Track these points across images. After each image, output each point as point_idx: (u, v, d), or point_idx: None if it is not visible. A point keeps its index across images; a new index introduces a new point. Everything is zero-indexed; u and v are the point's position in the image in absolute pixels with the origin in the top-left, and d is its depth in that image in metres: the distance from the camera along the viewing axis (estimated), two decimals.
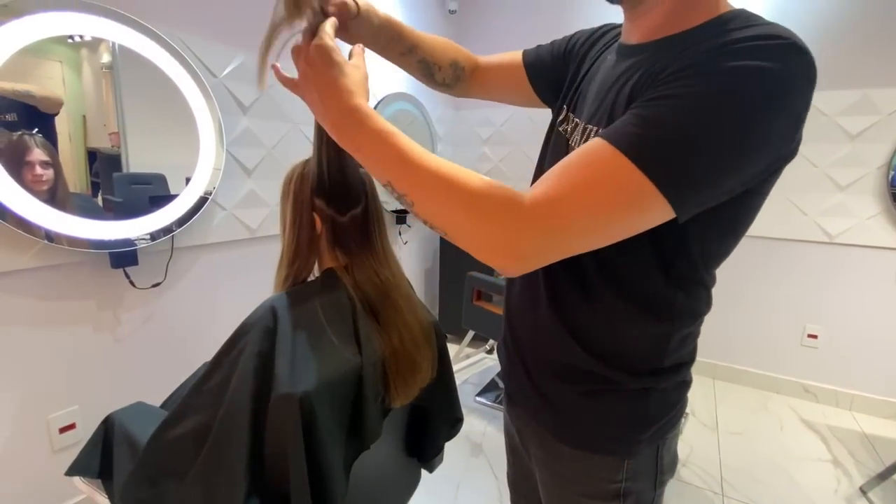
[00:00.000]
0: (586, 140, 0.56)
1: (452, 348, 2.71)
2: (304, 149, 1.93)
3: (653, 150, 0.42)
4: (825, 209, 2.15)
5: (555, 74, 0.76)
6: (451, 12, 2.78)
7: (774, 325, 2.36)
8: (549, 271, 0.62)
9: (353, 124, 0.50)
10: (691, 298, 0.57)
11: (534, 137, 2.79)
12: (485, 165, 3.05)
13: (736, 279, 2.36)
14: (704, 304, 0.59)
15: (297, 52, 0.57)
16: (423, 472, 1.07)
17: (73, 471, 0.88)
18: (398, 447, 0.99)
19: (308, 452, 0.67)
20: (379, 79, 2.34)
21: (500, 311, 2.07)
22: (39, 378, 1.27)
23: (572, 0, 2.53)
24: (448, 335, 2.88)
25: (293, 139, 1.88)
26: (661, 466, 0.64)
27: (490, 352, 2.79)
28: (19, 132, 1.16)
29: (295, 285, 0.82)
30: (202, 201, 1.53)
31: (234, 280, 1.73)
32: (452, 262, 2.77)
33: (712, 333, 2.45)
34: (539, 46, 0.81)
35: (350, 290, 0.79)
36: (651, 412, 0.60)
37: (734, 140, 0.41)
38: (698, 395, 2.28)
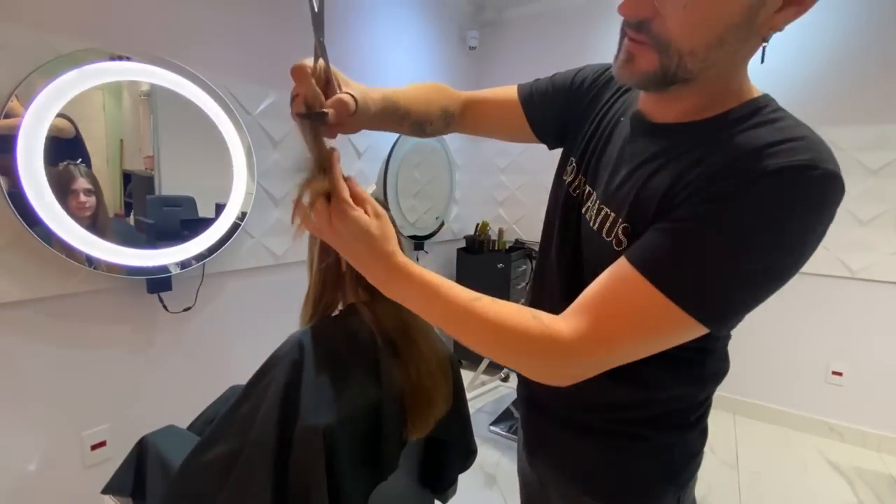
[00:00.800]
0: (603, 223, 0.55)
1: (467, 375, 2.71)
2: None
3: (695, 289, 0.44)
4: (846, 244, 2.13)
5: (555, 110, 0.73)
6: (471, 48, 2.90)
7: (797, 361, 2.31)
8: None
9: (397, 282, 0.52)
10: (721, 361, 0.59)
11: (551, 167, 2.80)
12: (502, 193, 3.11)
13: (757, 314, 2.31)
14: (728, 360, 0.61)
15: (318, 213, 0.51)
16: (443, 503, 1.09)
17: (108, 489, 0.93)
18: (413, 478, 1.02)
19: (329, 482, 0.70)
20: None
21: None
22: (75, 396, 1.34)
23: (591, 36, 2.62)
24: (463, 361, 2.90)
25: None
26: None
27: (505, 379, 2.78)
28: (65, 162, 1.25)
29: (322, 320, 0.88)
30: (234, 228, 1.61)
31: (259, 305, 1.80)
32: (468, 287, 2.81)
33: (734, 368, 2.39)
34: (536, 80, 0.77)
35: (371, 326, 0.84)
36: (676, 465, 0.61)
37: (770, 271, 0.43)
38: (718, 432, 2.23)
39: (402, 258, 0.53)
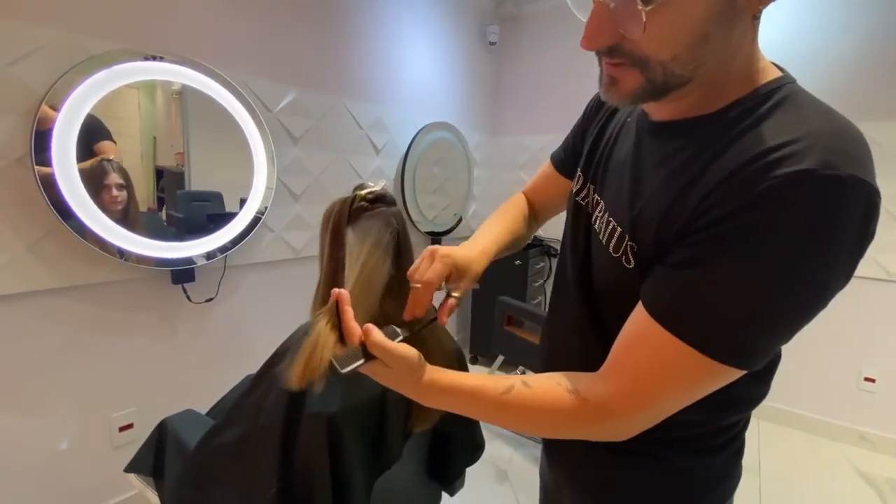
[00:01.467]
0: (611, 237, 0.54)
1: (481, 371, 2.72)
2: (348, 177, 2.06)
3: (721, 338, 0.41)
4: (883, 245, 2.02)
5: (580, 149, 0.72)
6: (492, 44, 2.89)
7: (828, 366, 2.22)
8: (588, 349, 0.59)
9: (431, 395, 0.54)
10: (755, 385, 0.53)
11: None
12: (520, 190, 3.08)
13: None
14: (768, 384, 0.56)
15: None
16: (452, 496, 1.10)
17: (130, 468, 0.99)
18: (420, 470, 1.04)
19: (333, 469, 0.73)
20: (419, 108, 2.46)
21: (529, 336, 2.08)
22: (105, 380, 1.41)
23: None
24: (479, 358, 2.91)
25: (338, 168, 2.01)
26: None
27: None
28: (98, 158, 1.32)
29: None
30: (255, 222, 1.66)
31: (278, 297, 1.85)
32: (484, 285, 2.80)
33: None
34: (564, 141, 0.79)
35: (378, 319, 0.85)
36: (697, 489, 0.58)
37: (796, 304, 0.40)
38: None
39: (427, 376, 0.53)
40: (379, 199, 0.87)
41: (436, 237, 2.69)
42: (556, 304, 0.71)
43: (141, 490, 1.09)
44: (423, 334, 0.87)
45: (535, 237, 2.99)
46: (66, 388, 1.34)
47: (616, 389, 0.47)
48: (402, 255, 0.87)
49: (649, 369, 0.45)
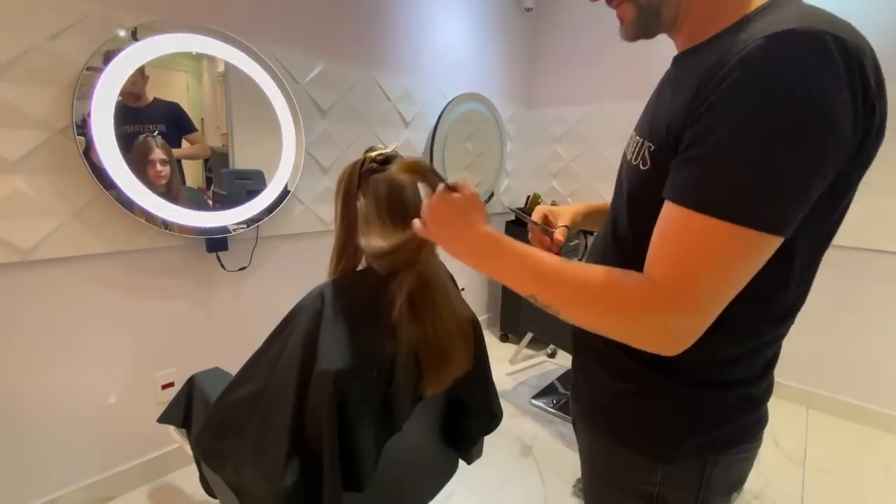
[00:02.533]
0: (637, 153, 0.57)
1: (511, 349, 2.70)
2: None
3: (736, 200, 0.43)
4: None
5: None
6: (528, 10, 2.76)
7: (882, 351, 2.03)
8: (606, 258, 0.62)
9: (491, 253, 0.56)
10: (755, 308, 0.52)
11: (609, 136, 2.68)
12: (556, 164, 2.98)
13: (841, 297, 2.07)
14: (776, 316, 0.54)
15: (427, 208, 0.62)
16: (470, 465, 1.11)
17: (163, 419, 1.05)
18: (436, 435, 1.04)
19: (340, 423, 0.74)
20: (450, 79, 2.41)
21: None
22: (149, 341, 1.51)
23: None
24: (508, 336, 2.89)
25: (367, 141, 2.01)
26: (709, 484, 0.60)
27: (552, 355, 2.74)
28: (144, 135, 1.39)
29: (344, 273, 0.90)
30: (284, 195, 1.70)
31: (308, 267, 1.90)
32: None
33: (809, 356, 2.18)
34: None
35: (390, 282, 0.85)
36: (693, 421, 0.58)
37: (796, 147, 0.41)
38: (786, 424, 2.04)
39: (492, 229, 0.57)
40: (389, 161, 0.86)
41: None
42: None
43: (180, 444, 1.17)
44: (435, 297, 0.87)
45: None
46: (114, 348, 1.44)
47: (662, 276, 0.46)
48: (407, 216, 0.85)
49: (685, 251, 0.45)
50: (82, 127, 1.23)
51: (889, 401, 2.06)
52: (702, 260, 0.44)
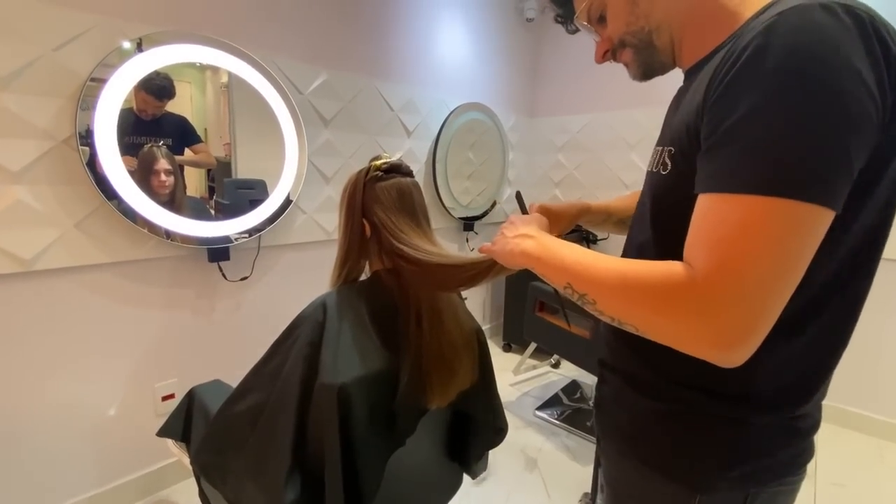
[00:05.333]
0: (657, 161, 0.56)
1: (514, 359, 2.68)
2: None
3: (777, 174, 0.39)
4: None
5: None
6: (529, 20, 2.78)
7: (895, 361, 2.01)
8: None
9: (553, 249, 0.57)
10: (811, 303, 0.47)
11: (611, 144, 2.68)
12: (559, 173, 2.98)
13: None
14: (835, 313, 0.50)
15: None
16: (475, 479, 1.08)
17: (162, 432, 1.03)
18: (440, 449, 1.02)
19: (343, 438, 0.72)
20: (452, 89, 2.42)
21: (563, 324, 2.01)
22: (150, 352, 1.49)
23: None
24: (512, 346, 2.86)
25: (369, 150, 2.01)
26: None
27: (555, 366, 2.70)
28: (149, 144, 1.39)
29: (346, 283, 0.89)
30: (286, 204, 1.70)
31: (311, 277, 1.88)
32: (518, 271, 2.75)
33: None
34: None
35: (394, 293, 0.83)
36: (737, 449, 0.53)
37: (819, 114, 0.38)
38: None
39: (538, 233, 0.61)
40: (394, 169, 0.86)
41: (468, 221, 2.65)
42: None
43: (179, 457, 1.15)
44: (440, 308, 0.85)
45: None
46: (115, 359, 1.42)
47: (701, 262, 0.41)
48: (416, 224, 0.85)
49: (725, 236, 0.41)
50: (86, 137, 1.23)
51: None
52: (744, 241, 0.39)
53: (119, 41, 1.27)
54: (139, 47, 1.30)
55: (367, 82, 1.97)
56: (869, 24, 0.39)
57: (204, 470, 0.88)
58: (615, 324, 0.49)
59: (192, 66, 1.45)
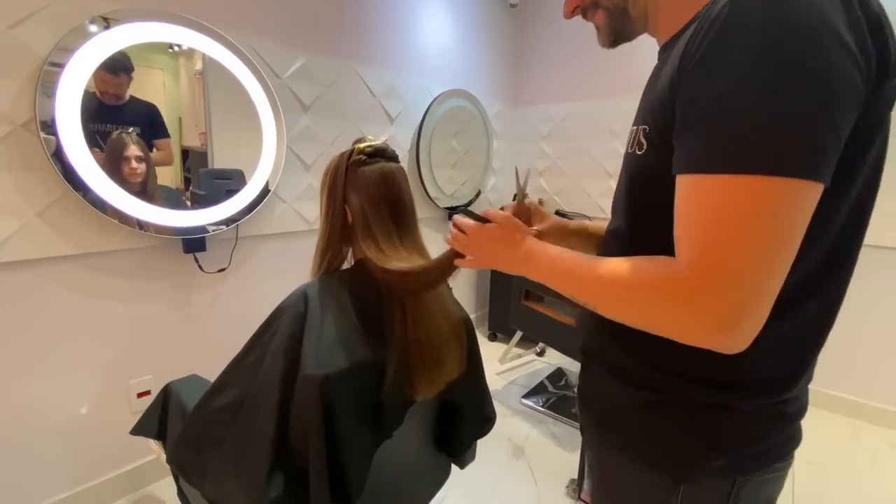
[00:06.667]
0: (633, 141, 0.53)
1: (500, 348, 2.68)
2: None
3: (754, 149, 0.37)
4: None
5: None
6: (512, 6, 2.74)
7: (874, 345, 2.07)
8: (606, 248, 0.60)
9: (530, 268, 0.60)
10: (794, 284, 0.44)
11: (595, 133, 2.67)
12: (543, 162, 2.97)
13: None
14: (822, 295, 0.49)
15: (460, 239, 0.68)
16: (462, 468, 1.07)
17: (136, 430, 0.99)
18: (427, 441, 1.00)
19: (327, 433, 0.69)
20: (436, 75, 2.37)
21: (549, 312, 2.01)
22: (123, 347, 1.43)
23: None
24: (497, 335, 2.86)
25: (350, 137, 1.95)
26: None
27: (540, 354, 2.72)
28: (118, 130, 1.31)
29: (328, 273, 0.86)
30: (264, 193, 1.64)
31: (291, 268, 1.83)
32: None
33: None
34: None
35: (378, 282, 0.80)
36: (721, 435, 0.51)
37: (799, 84, 0.36)
38: None
39: (527, 245, 0.61)
40: (378, 153, 0.82)
41: (453, 211, 2.62)
42: None
43: (158, 455, 1.10)
44: (428, 299, 0.83)
45: (557, 211, 2.88)
46: (85, 355, 1.36)
47: (687, 252, 0.41)
48: (400, 211, 0.82)
49: (709, 220, 0.39)
50: (48, 123, 1.15)
51: (875, 393, 2.09)
52: (726, 224, 0.38)
53: (82, 18, 1.19)
54: (104, 25, 1.22)
55: (348, 66, 1.91)
56: None
57: (181, 468, 0.84)
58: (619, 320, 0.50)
59: (163, 51, 1.38)
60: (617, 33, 0.59)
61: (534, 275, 0.59)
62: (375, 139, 0.85)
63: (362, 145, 0.82)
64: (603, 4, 0.58)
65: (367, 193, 0.80)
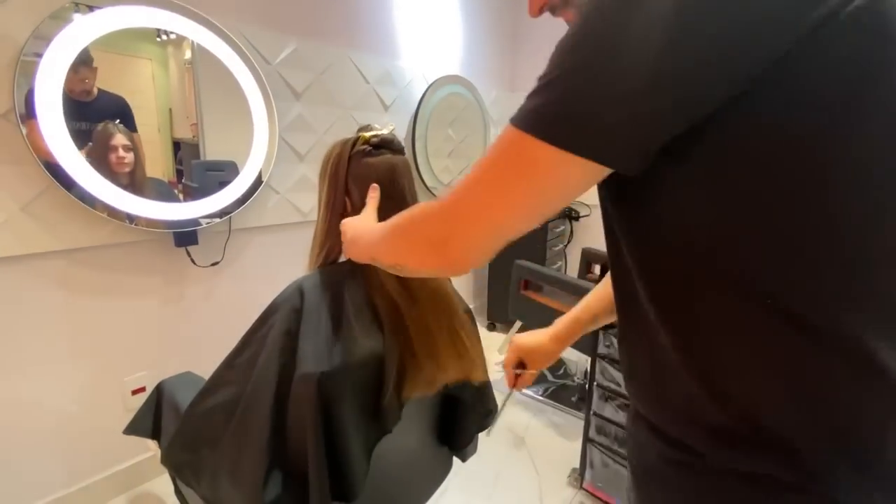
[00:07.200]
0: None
1: (499, 338, 2.66)
2: (352, 134, 1.96)
3: (529, 108, 0.36)
4: None
5: None
6: None
7: None
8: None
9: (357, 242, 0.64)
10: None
11: None
12: None
13: None
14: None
15: None
16: (464, 461, 1.05)
17: (129, 430, 0.96)
18: (429, 434, 0.98)
19: (327, 431, 0.67)
20: (431, 61, 2.31)
21: (549, 301, 1.99)
22: (116, 344, 1.40)
23: None
24: (496, 325, 2.84)
25: (345, 125, 1.91)
26: None
27: None
28: (104, 121, 1.27)
29: (326, 265, 0.83)
30: (257, 184, 1.60)
31: (286, 260, 1.80)
32: (501, 250, 2.71)
33: None
34: None
35: (378, 276, 0.78)
36: None
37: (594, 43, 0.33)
38: None
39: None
40: (384, 144, 0.78)
41: None
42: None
43: (155, 452, 1.08)
44: (431, 288, 0.80)
45: None
46: (77, 353, 1.33)
47: (441, 195, 0.44)
48: (407, 207, 0.78)
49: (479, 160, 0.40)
50: (27, 114, 1.10)
51: None
52: (483, 166, 0.40)
53: (61, 2, 1.14)
54: (86, 9, 1.17)
55: (341, 52, 1.85)
56: None
57: (177, 469, 0.82)
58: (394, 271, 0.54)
59: (151, 40, 1.33)
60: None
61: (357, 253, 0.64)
62: (382, 128, 0.81)
63: (368, 135, 0.78)
64: (575, 3, 0.49)
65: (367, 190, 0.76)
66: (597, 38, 0.33)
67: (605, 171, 0.35)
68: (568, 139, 0.33)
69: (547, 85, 0.34)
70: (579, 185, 0.37)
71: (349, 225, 0.68)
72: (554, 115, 0.34)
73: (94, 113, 1.25)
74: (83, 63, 1.21)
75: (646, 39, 0.30)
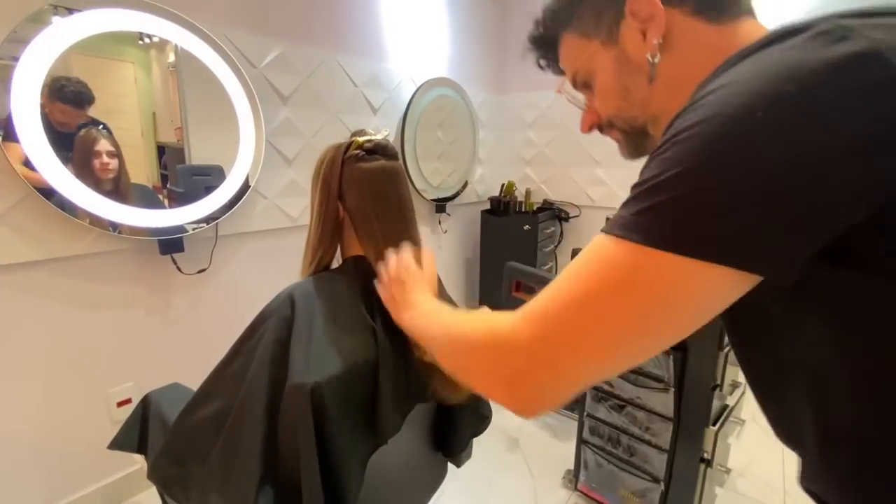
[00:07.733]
0: None
1: None
2: (343, 138, 1.94)
3: (659, 220, 0.31)
4: None
5: None
6: None
7: None
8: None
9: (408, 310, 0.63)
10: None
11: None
12: (530, 151, 2.94)
13: None
14: None
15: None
16: (459, 467, 1.04)
17: (113, 445, 0.93)
18: (423, 441, 0.97)
19: (320, 444, 0.65)
20: (419, 64, 2.31)
21: None
22: (100, 355, 1.37)
23: None
24: None
25: (333, 129, 1.89)
26: None
27: None
28: (87, 126, 1.24)
29: (318, 271, 0.81)
30: (244, 189, 1.57)
31: (275, 267, 1.77)
32: (493, 251, 2.71)
33: None
34: None
35: (372, 281, 0.76)
36: None
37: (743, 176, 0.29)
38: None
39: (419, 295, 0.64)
40: (378, 150, 0.77)
41: (440, 203, 2.58)
42: None
43: (143, 465, 1.05)
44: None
45: (545, 200, 2.86)
46: (60, 364, 1.29)
47: (527, 311, 0.37)
48: (404, 212, 0.78)
49: (563, 284, 0.35)
50: (5, 120, 1.07)
51: None
52: (576, 283, 0.34)
53: (38, 4, 1.10)
54: (64, 12, 1.14)
55: (328, 55, 1.83)
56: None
57: (164, 484, 0.79)
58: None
59: (133, 44, 1.30)
60: (638, 149, 0.52)
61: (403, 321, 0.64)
62: (375, 133, 0.80)
63: (361, 139, 0.77)
64: (618, 126, 0.51)
65: (370, 191, 0.76)
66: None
67: (728, 296, 0.31)
68: (734, 254, 0.29)
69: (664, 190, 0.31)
70: (721, 301, 0.32)
71: (405, 285, 0.66)
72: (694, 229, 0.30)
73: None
74: (86, 98, 1.21)
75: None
